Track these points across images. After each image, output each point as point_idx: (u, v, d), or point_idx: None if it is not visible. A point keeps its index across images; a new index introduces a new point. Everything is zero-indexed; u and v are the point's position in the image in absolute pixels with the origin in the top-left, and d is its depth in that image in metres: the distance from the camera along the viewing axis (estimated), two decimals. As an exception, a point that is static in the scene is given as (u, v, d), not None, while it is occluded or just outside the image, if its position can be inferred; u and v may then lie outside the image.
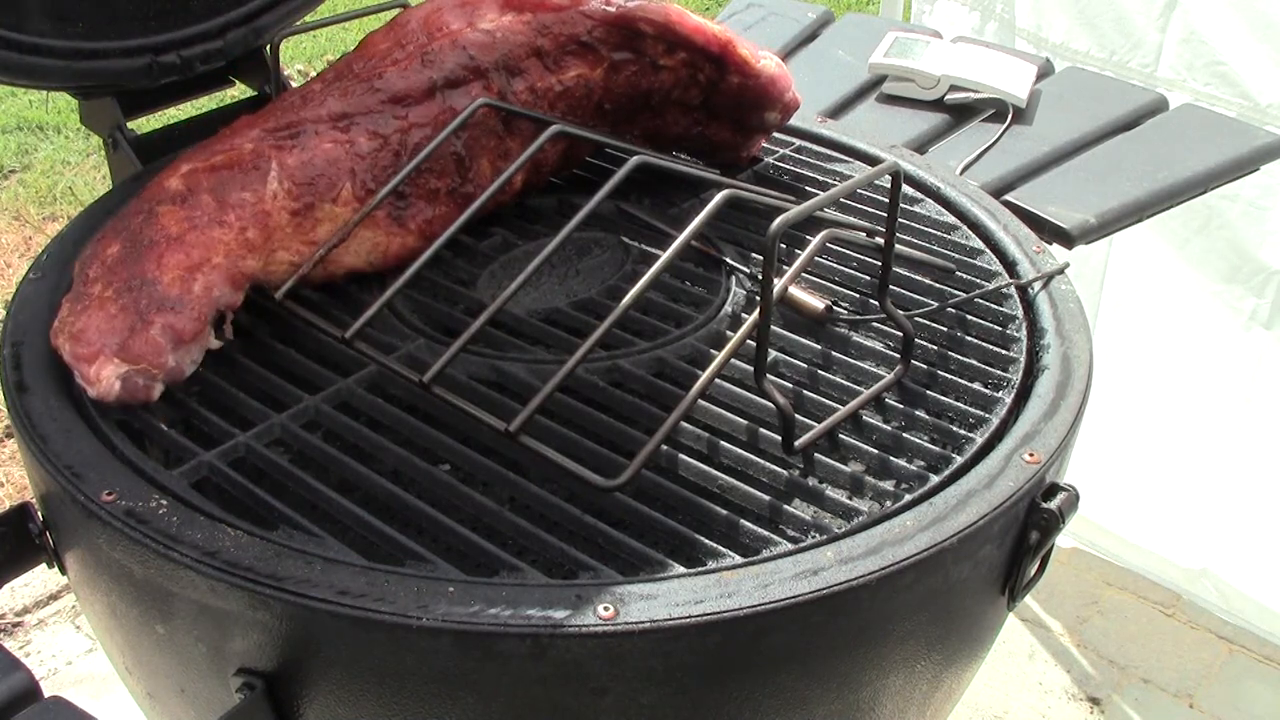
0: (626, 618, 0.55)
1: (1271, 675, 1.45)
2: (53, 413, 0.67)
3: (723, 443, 0.69)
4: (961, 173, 1.03)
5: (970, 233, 0.92)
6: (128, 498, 0.61)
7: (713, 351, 0.75)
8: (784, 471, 0.67)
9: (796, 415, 0.68)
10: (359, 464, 0.66)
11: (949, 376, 0.76)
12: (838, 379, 0.75)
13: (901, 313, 0.75)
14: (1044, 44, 1.51)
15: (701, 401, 0.71)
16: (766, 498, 0.65)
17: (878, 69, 1.19)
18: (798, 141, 1.04)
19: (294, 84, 0.91)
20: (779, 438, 0.68)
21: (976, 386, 0.76)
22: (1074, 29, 1.49)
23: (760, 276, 0.76)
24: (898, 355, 0.75)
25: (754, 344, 0.64)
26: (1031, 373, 0.77)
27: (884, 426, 0.72)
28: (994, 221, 0.92)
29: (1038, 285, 0.84)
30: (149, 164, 0.96)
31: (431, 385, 0.69)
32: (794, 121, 1.01)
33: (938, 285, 0.85)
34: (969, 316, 0.82)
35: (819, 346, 0.78)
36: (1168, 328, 1.45)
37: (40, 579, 1.48)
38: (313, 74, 1.59)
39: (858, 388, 0.74)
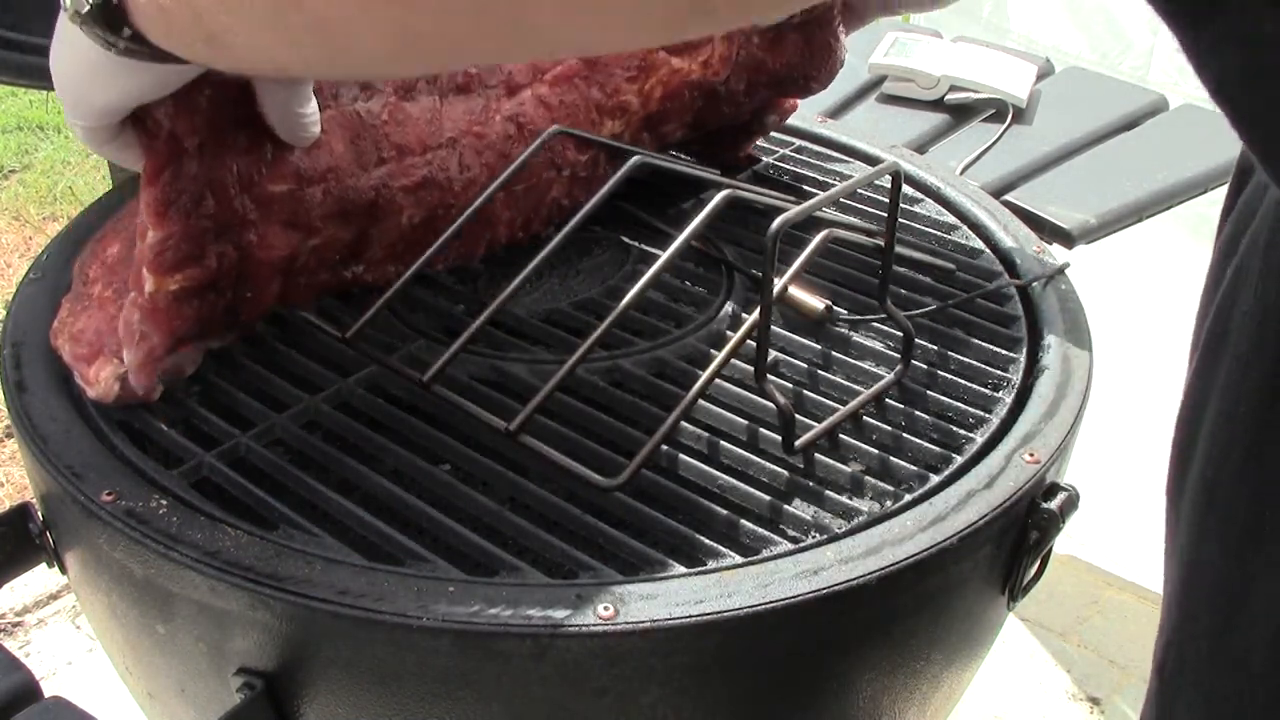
0: (626, 618, 0.55)
1: (1271, 675, 1.45)
2: (53, 413, 0.67)
3: (723, 443, 0.69)
4: (961, 173, 1.03)
5: (970, 233, 0.92)
6: (128, 498, 0.61)
7: (713, 351, 0.75)
8: (784, 471, 0.67)
9: (796, 415, 0.68)
10: (359, 464, 0.66)
11: (949, 376, 0.76)
12: (838, 379, 0.75)
13: (901, 313, 0.75)
14: (1034, 45, 1.51)
15: (701, 401, 0.71)
16: (766, 498, 0.65)
17: (878, 69, 1.19)
18: (798, 141, 1.04)
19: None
20: (779, 438, 0.68)
21: (976, 386, 0.76)
22: (1064, 31, 1.49)
23: (760, 276, 0.76)
24: (898, 355, 0.76)
25: (754, 344, 0.64)
26: (1031, 373, 0.77)
27: (884, 426, 0.72)
28: (994, 221, 0.92)
29: (1038, 285, 0.84)
30: (149, 164, 0.96)
31: (431, 385, 0.69)
32: (794, 121, 1.01)
33: (938, 285, 0.85)
34: (969, 316, 0.82)
35: (819, 346, 0.78)
36: (1155, 333, 1.45)
37: (40, 579, 1.48)
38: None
39: (858, 388, 0.74)
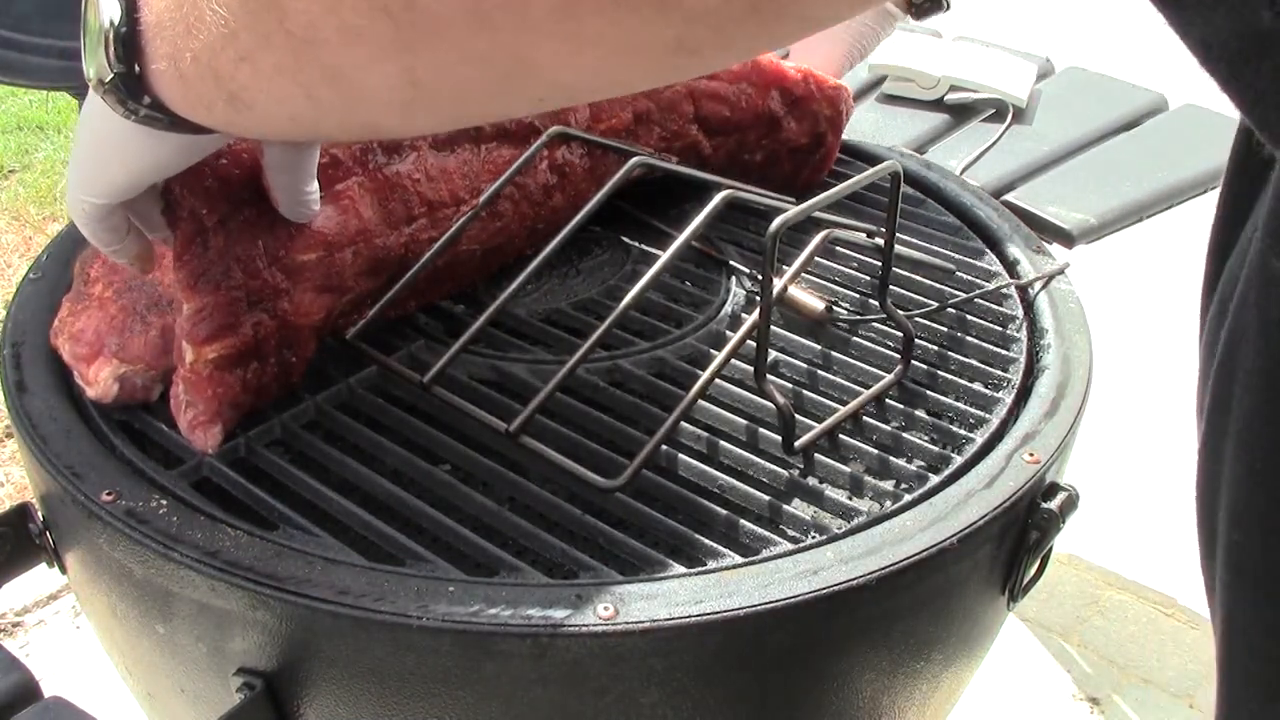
0: (626, 618, 0.55)
1: (1271, 675, 1.45)
2: (53, 413, 0.67)
3: (723, 443, 0.69)
4: (961, 173, 1.03)
5: (971, 233, 0.92)
6: (128, 498, 0.61)
7: (713, 351, 0.75)
8: (784, 471, 0.67)
9: (796, 415, 0.68)
10: (359, 464, 0.66)
11: (949, 376, 0.76)
12: (838, 379, 0.75)
13: (901, 313, 0.75)
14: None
15: (701, 401, 0.71)
16: (766, 498, 0.65)
17: (878, 69, 1.19)
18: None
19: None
20: (779, 438, 0.68)
21: (976, 386, 0.76)
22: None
23: (760, 276, 0.76)
24: (898, 355, 0.76)
25: (754, 344, 0.64)
26: (1031, 373, 0.77)
27: (884, 426, 0.72)
28: (994, 221, 0.93)
29: (1038, 285, 0.84)
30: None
31: (432, 385, 0.69)
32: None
33: (938, 285, 0.85)
34: (969, 316, 0.82)
35: (819, 346, 0.78)
36: (1155, 333, 1.46)
37: (40, 579, 1.48)
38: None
39: (858, 388, 0.74)
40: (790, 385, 0.74)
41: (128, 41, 0.47)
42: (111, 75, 0.48)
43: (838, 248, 0.88)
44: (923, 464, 0.69)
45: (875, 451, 0.69)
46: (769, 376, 0.67)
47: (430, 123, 0.48)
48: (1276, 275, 0.34)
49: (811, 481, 0.67)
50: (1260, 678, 0.40)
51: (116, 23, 0.46)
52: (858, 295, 0.84)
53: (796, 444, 0.67)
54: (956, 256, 0.89)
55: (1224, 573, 0.40)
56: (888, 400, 0.73)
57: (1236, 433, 0.38)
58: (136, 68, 0.47)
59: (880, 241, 0.75)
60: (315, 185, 0.64)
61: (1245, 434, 0.38)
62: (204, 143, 0.54)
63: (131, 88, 0.48)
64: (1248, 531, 0.38)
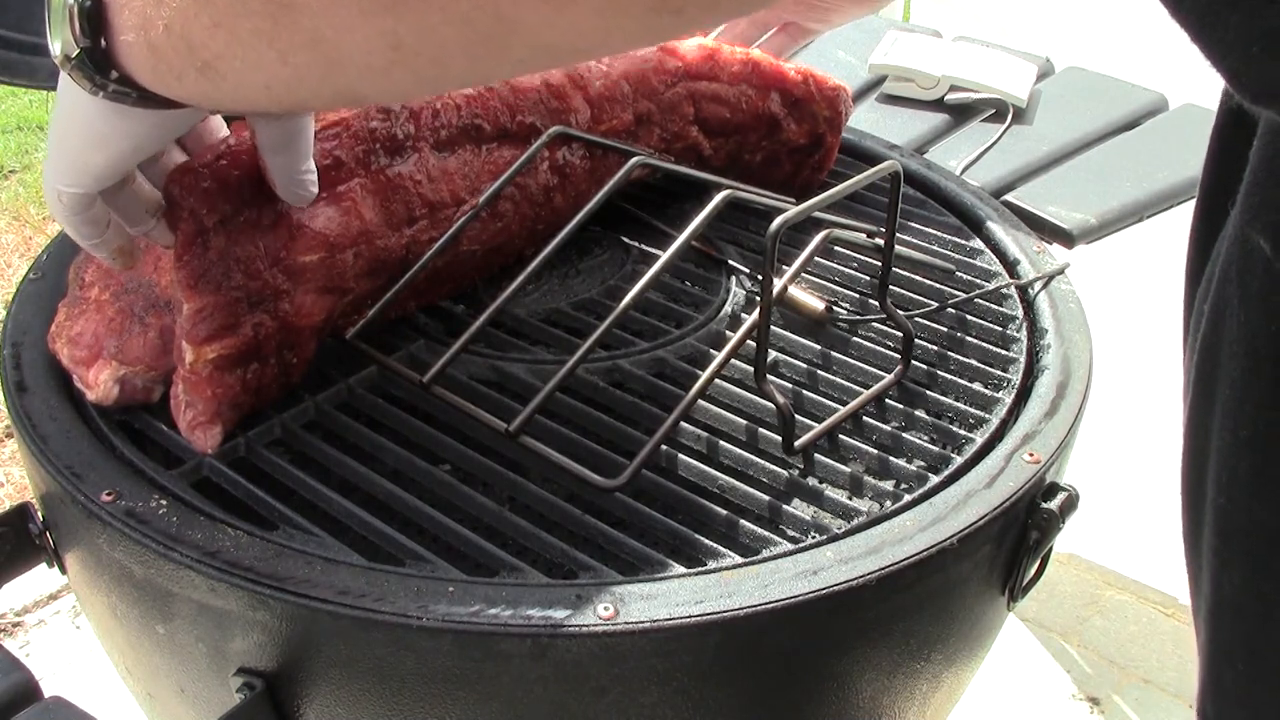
0: (626, 618, 0.55)
1: (1271, 675, 1.45)
2: (53, 413, 0.67)
3: (723, 443, 0.69)
4: (961, 173, 1.03)
5: (970, 232, 0.92)
6: (128, 498, 0.61)
7: (713, 351, 0.75)
8: (784, 471, 0.67)
9: (796, 415, 0.68)
10: (359, 464, 0.66)
11: (949, 376, 0.76)
12: (838, 379, 0.75)
13: (901, 313, 0.75)
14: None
15: (701, 401, 0.71)
16: (766, 498, 0.65)
17: (878, 69, 1.19)
18: (798, 141, 1.04)
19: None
20: (779, 438, 0.68)
21: (976, 386, 0.76)
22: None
23: (760, 276, 0.76)
24: (898, 355, 0.76)
25: (754, 344, 0.65)
26: (1031, 373, 0.77)
27: (884, 426, 0.72)
28: (994, 221, 0.93)
29: (1038, 285, 0.84)
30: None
31: (432, 385, 0.69)
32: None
33: (938, 285, 0.85)
34: (969, 316, 0.82)
35: (819, 346, 0.78)
36: (1155, 334, 1.45)
37: (40, 579, 1.48)
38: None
39: (858, 388, 0.74)
40: (790, 385, 0.74)
41: (93, 15, 0.46)
42: (77, 50, 0.47)
43: (838, 248, 0.88)
44: (923, 464, 0.69)
45: (875, 451, 0.69)
46: (769, 376, 0.67)
47: (408, 87, 0.47)
48: (1255, 247, 0.35)
49: (811, 481, 0.67)
50: (1245, 636, 0.40)
51: None
52: (858, 295, 0.84)
53: (796, 444, 0.67)
54: (956, 256, 0.89)
55: (1212, 538, 0.41)
56: (888, 400, 0.73)
57: (1223, 403, 0.39)
58: (103, 41, 0.47)
59: (880, 241, 0.75)
60: (311, 165, 0.63)
61: (1230, 403, 0.39)
62: (175, 119, 0.53)
63: (98, 62, 0.47)
64: (1233, 497, 0.39)
